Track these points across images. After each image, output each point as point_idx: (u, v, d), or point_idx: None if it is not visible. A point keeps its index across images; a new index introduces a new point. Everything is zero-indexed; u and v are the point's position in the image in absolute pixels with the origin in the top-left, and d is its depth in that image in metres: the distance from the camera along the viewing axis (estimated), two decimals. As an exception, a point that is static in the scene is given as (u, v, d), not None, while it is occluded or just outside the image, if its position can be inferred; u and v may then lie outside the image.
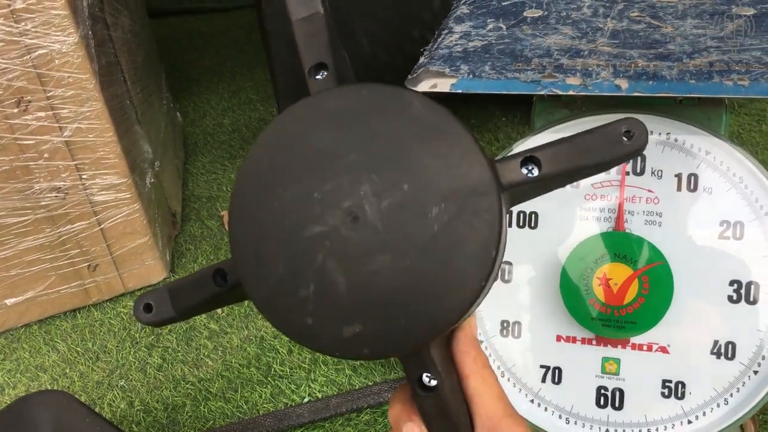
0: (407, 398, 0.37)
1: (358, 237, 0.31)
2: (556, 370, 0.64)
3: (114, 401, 0.94)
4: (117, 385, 0.96)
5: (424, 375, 0.34)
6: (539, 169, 0.33)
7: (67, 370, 0.99)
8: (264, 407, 0.89)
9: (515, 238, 0.64)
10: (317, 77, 0.35)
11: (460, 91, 0.56)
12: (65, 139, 0.92)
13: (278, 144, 0.33)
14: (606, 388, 0.63)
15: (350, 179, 0.31)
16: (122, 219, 1.02)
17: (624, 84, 0.53)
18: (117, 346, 1.02)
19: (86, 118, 0.92)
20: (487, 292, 0.34)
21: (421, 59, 0.61)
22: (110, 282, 1.08)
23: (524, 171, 0.33)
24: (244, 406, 0.90)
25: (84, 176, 0.96)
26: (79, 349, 1.03)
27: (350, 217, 0.31)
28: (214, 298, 0.36)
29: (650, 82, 0.52)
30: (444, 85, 0.56)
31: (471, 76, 0.56)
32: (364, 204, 0.31)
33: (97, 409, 0.93)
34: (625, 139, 0.33)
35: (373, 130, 0.32)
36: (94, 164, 0.96)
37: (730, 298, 0.60)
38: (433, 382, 0.34)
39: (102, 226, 1.01)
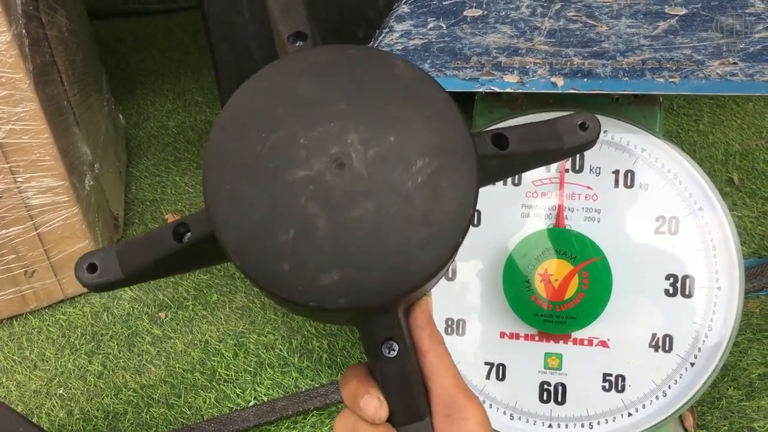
0: (362, 374, 0.37)
1: (342, 183, 0.31)
2: (500, 367, 0.64)
3: (53, 410, 0.91)
4: (56, 394, 0.93)
5: (385, 343, 0.34)
6: (507, 147, 0.34)
7: (4, 380, 0.96)
8: (208, 412, 0.88)
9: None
10: (296, 44, 0.36)
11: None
12: (-2, 140, 0.89)
13: (263, 90, 0.33)
14: (549, 384, 0.63)
15: (337, 127, 0.32)
16: (60, 223, 0.99)
17: (560, 81, 0.53)
18: (56, 354, 0.99)
19: (20, 119, 0.89)
20: (450, 265, 0.34)
21: (362, 57, 0.61)
22: (48, 288, 1.05)
23: (494, 146, 0.34)
24: (188, 412, 0.88)
25: (19, 179, 0.93)
26: (15, 357, 0.99)
27: (336, 164, 0.31)
28: (171, 257, 0.34)
29: (585, 80, 0.53)
30: (384, 83, 0.56)
31: (410, 73, 0.56)
32: (350, 152, 0.31)
33: (35, 419, 0.90)
34: (580, 130, 0.35)
35: (360, 83, 0.32)
36: (30, 166, 0.93)
37: (666, 292, 0.61)
38: (396, 348, 0.34)
39: (39, 231, 0.98)
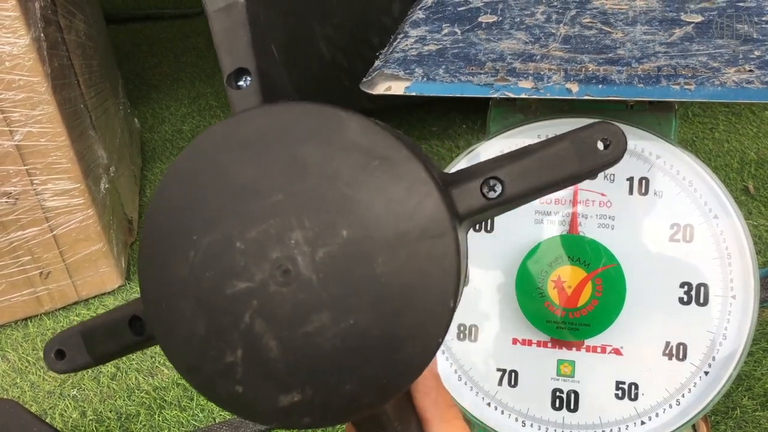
0: None
1: (290, 294, 0.27)
2: (513, 373, 0.64)
3: (66, 411, 0.91)
4: (69, 395, 0.94)
5: None
6: (502, 190, 0.29)
7: (18, 380, 0.97)
8: (220, 415, 0.88)
9: (472, 243, 0.64)
10: (239, 84, 0.30)
11: (414, 93, 0.56)
12: (16, 143, 0.90)
13: (192, 178, 0.28)
14: (561, 391, 0.63)
15: (278, 224, 0.27)
16: (75, 225, 1.00)
17: (574, 88, 0.53)
18: (70, 355, 1.00)
19: (38, 121, 0.90)
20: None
21: (377, 63, 0.61)
22: (63, 290, 1.06)
23: (485, 193, 0.29)
24: (200, 415, 0.88)
25: (35, 181, 0.94)
26: (30, 358, 1.00)
27: (280, 271, 0.27)
28: (134, 347, 0.31)
29: (600, 86, 0.53)
30: (398, 88, 0.56)
31: (425, 79, 0.56)
32: (295, 255, 0.26)
33: (48, 419, 0.90)
34: (601, 147, 0.29)
35: (303, 162, 0.27)
36: (46, 169, 0.94)
37: (681, 300, 0.60)
38: None
39: (54, 233, 0.99)
